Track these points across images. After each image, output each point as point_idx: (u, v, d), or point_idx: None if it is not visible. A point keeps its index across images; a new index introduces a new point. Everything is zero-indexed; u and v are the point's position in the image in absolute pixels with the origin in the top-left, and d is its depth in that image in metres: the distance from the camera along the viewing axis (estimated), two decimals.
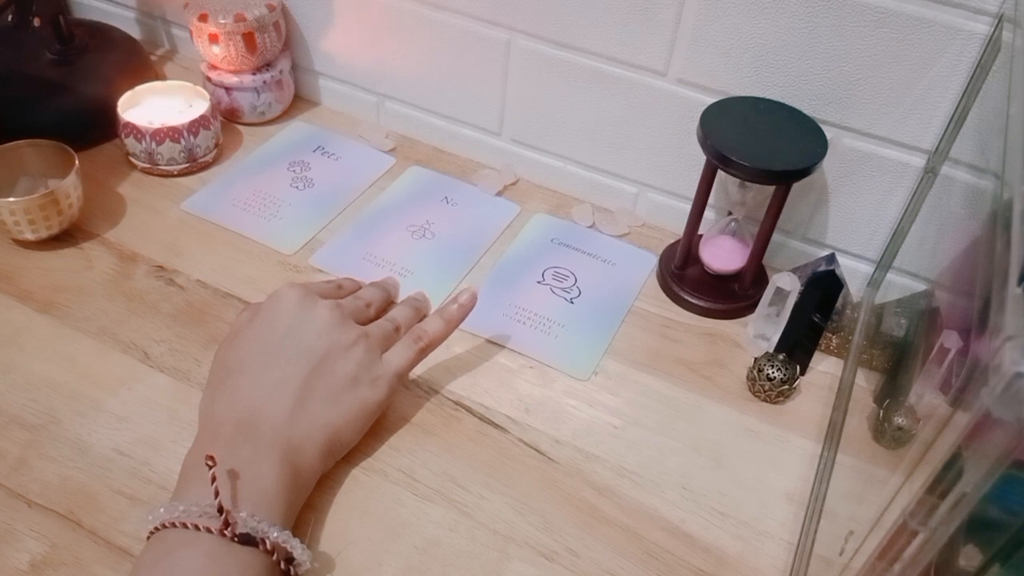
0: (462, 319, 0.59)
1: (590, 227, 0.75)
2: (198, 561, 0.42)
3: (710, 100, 0.64)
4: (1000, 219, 0.35)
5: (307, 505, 0.51)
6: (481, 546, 0.51)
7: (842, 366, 0.64)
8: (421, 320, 0.60)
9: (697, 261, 0.69)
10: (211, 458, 0.44)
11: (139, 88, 0.76)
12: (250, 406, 0.50)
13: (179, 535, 0.43)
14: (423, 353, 0.57)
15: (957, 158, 0.58)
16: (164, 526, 0.44)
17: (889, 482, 0.37)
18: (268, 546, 0.44)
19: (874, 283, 0.69)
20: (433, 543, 0.51)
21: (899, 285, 0.65)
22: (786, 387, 0.60)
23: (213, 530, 0.43)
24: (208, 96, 0.76)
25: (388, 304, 0.63)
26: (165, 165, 0.75)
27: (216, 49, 0.77)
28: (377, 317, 0.59)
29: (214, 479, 0.44)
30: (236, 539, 0.43)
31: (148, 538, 0.45)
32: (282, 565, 0.45)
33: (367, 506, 0.53)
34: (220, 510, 0.43)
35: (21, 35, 0.76)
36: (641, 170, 0.74)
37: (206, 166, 0.77)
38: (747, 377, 0.62)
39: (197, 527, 0.43)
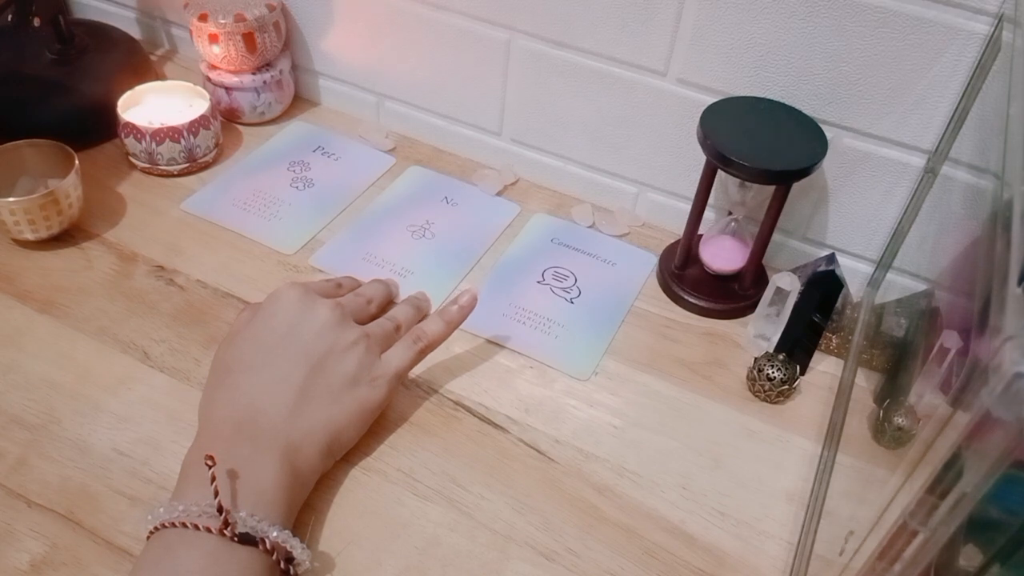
0: (462, 320, 0.59)
1: (590, 227, 0.75)
2: (198, 561, 0.42)
3: (710, 100, 0.64)
4: (1000, 219, 0.35)
5: (307, 505, 0.51)
6: (481, 546, 0.51)
7: (842, 366, 0.64)
8: (422, 319, 0.60)
9: (697, 261, 0.69)
10: (210, 458, 0.44)
11: (139, 88, 0.76)
12: (250, 405, 0.50)
13: (179, 535, 0.43)
14: (422, 354, 0.57)
15: (957, 158, 0.58)
16: (164, 526, 0.44)
17: (889, 482, 0.37)
18: (268, 546, 0.44)
19: (874, 283, 0.69)
20: (433, 543, 0.51)
21: (899, 285, 0.65)
22: (786, 387, 0.60)
23: (213, 530, 0.43)
24: (208, 96, 0.76)
25: (389, 301, 0.63)
26: (165, 165, 0.75)
27: (216, 49, 0.77)
28: (378, 314, 0.59)
29: (213, 479, 0.44)
30: (236, 539, 0.43)
31: (148, 538, 0.45)
32: (282, 565, 0.45)
33: (367, 506, 0.53)
34: (220, 509, 0.43)
35: (21, 35, 0.76)
36: (641, 170, 0.74)
37: (206, 166, 0.77)
38: (747, 377, 0.62)
39: (197, 527, 0.43)
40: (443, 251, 0.71)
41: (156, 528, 0.44)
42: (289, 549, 0.45)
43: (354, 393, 0.53)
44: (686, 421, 0.60)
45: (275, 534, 0.44)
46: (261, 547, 0.44)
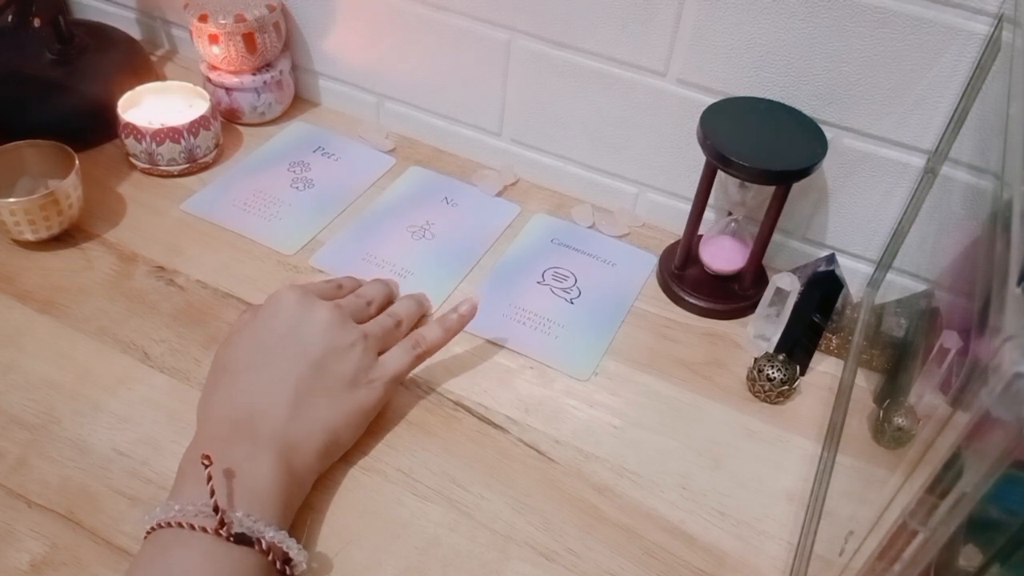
0: (461, 328, 0.59)
1: (590, 227, 0.75)
2: (194, 561, 0.42)
3: (710, 100, 0.64)
4: (1000, 219, 0.35)
5: (306, 505, 0.51)
6: (481, 546, 0.51)
7: (842, 366, 0.64)
8: (423, 314, 0.60)
9: (697, 261, 0.69)
10: (207, 457, 0.44)
11: (139, 88, 0.76)
12: (248, 404, 0.50)
13: (175, 535, 0.43)
14: (420, 359, 0.57)
15: (957, 158, 0.58)
16: (160, 525, 0.44)
17: (889, 482, 0.37)
18: (263, 546, 0.44)
19: (874, 283, 0.69)
20: (433, 543, 0.51)
21: (899, 285, 0.65)
22: (786, 387, 0.60)
23: (208, 529, 0.43)
24: (208, 96, 0.76)
25: (389, 302, 0.63)
26: (165, 165, 0.75)
27: (216, 49, 0.77)
28: (378, 314, 0.59)
29: (210, 478, 0.44)
30: (231, 539, 0.43)
31: (145, 538, 0.45)
32: (278, 565, 0.45)
33: (367, 506, 0.52)
34: (215, 509, 0.43)
35: (21, 35, 0.76)
36: (641, 170, 0.74)
37: (206, 166, 0.77)
38: (747, 377, 0.62)
39: (192, 526, 0.43)
40: (443, 251, 0.71)
41: (153, 528, 0.44)
42: (285, 550, 0.45)
43: (352, 394, 0.53)
44: (686, 421, 0.59)
45: (271, 534, 0.44)
46: (257, 547, 0.43)
